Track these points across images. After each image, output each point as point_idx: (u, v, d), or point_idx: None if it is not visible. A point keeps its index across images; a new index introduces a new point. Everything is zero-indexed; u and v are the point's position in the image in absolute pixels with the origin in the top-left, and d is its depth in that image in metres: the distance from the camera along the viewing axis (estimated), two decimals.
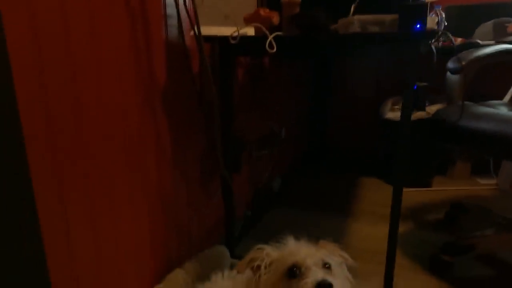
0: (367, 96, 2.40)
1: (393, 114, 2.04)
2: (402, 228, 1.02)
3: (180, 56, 1.03)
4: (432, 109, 1.84)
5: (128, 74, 0.85)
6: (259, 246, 0.70)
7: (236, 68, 1.34)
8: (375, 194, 2.06)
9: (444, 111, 1.30)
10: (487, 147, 1.11)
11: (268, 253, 0.68)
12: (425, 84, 0.85)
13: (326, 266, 0.66)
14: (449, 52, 1.40)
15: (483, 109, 1.24)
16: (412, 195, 1.99)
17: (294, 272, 0.63)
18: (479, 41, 1.69)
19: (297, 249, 0.68)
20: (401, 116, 0.90)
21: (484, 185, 2.14)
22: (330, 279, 0.60)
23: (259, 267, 0.67)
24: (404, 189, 1.08)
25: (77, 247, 0.77)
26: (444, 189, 2.09)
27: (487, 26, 1.85)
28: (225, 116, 1.13)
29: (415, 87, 1.13)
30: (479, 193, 2.05)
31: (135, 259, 0.96)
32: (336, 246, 0.72)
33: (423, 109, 1.52)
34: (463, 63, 1.30)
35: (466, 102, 1.34)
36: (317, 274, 0.61)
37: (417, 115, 1.86)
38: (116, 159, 0.85)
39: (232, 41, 0.84)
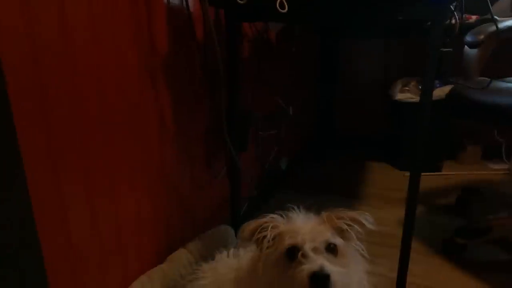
0: (375, 79, 2.32)
1: (403, 95, 1.97)
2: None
3: (182, 19, 0.96)
4: (444, 90, 1.77)
5: (126, 40, 0.79)
6: (271, 215, 0.64)
7: (242, 41, 1.27)
8: (382, 178, 2.01)
9: (461, 87, 1.23)
10: (508, 122, 1.04)
11: (276, 225, 0.63)
12: (449, 50, 0.77)
13: (331, 247, 0.60)
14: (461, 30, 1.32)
15: (504, 84, 1.17)
16: (422, 180, 1.94)
17: (293, 253, 0.59)
18: (496, 17, 1.61)
19: (300, 228, 0.62)
20: (422, 90, 0.84)
21: (495, 170, 2.08)
22: (328, 268, 0.55)
23: (263, 238, 0.61)
24: None
25: (73, 226, 0.72)
26: (454, 173, 2.03)
27: (505, 2, 1.76)
28: (231, 87, 1.07)
29: None
30: (490, 177, 1.99)
31: (136, 238, 0.91)
32: (344, 212, 0.65)
33: (447, 79, 1.40)
34: (482, 36, 1.23)
35: (483, 78, 1.27)
36: (316, 262, 0.56)
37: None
38: (114, 131, 0.80)
39: (240, 2, 0.77)
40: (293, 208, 0.65)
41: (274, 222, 0.63)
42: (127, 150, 0.84)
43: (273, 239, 0.62)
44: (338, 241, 0.61)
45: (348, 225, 0.63)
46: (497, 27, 0.97)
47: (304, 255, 0.57)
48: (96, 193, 0.77)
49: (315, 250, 0.58)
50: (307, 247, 0.58)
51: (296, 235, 0.60)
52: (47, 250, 0.66)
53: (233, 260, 0.79)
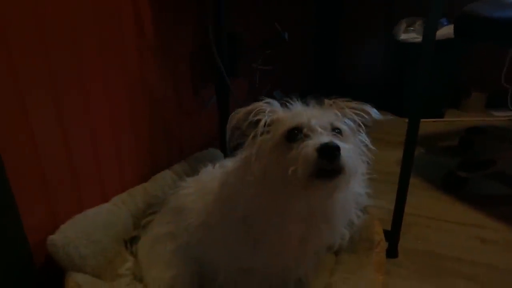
0: (378, 19, 2.18)
1: (407, 35, 1.85)
2: (415, 153, 0.93)
3: None
4: (451, 28, 1.65)
5: None
6: (267, 99, 0.55)
7: None
8: (385, 124, 1.94)
9: (473, 7, 1.12)
10: None
11: (274, 110, 0.55)
12: None
13: (336, 131, 0.53)
14: None
15: None
16: (424, 125, 1.86)
17: (295, 134, 0.50)
18: None
19: (302, 110, 0.54)
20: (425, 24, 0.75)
21: (500, 116, 2.00)
22: (338, 142, 0.48)
23: (258, 122, 0.53)
24: None
25: (41, 143, 0.66)
26: (457, 119, 1.96)
27: None
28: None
29: None
30: (494, 123, 1.92)
31: (116, 162, 0.86)
32: (350, 101, 0.57)
33: None
34: None
35: None
36: (324, 136, 0.49)
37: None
38: (85, 32, 0.71)
39: None
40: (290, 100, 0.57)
41: (272, 107, 0.55)
42: (101, 57, 0.76)
43: (269, 125, 0.53)
44: (344, 126, 0.54)
45: (354, 114, 0.56)
46: None
47: (310, 132, 0.49)
48: (67, 110, 0.70)
49: (322, 127, 0.50)
50: (314, 122, 0.50)
51: (299, 115, 0.52)
52: (13, 175, 0.60)
53: (219, 170, 0.72)
